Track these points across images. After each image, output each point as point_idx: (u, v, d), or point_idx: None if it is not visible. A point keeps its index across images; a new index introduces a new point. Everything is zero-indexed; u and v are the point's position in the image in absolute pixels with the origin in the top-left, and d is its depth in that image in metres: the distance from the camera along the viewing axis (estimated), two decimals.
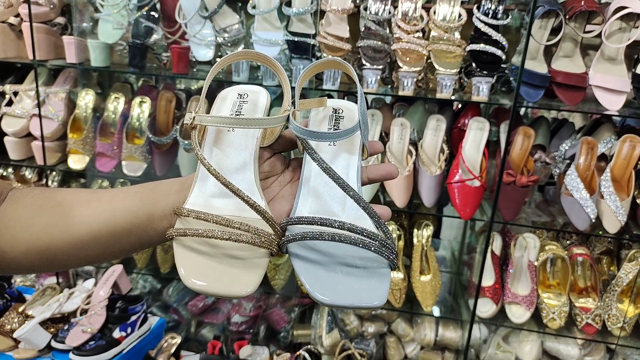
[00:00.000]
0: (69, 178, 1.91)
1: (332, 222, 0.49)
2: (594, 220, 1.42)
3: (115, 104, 1.74)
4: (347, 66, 0.60)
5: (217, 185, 0.55)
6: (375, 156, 1.52)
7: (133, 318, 1.53)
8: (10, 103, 1.75)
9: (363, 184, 0.59)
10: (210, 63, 1.68)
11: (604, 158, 1.55)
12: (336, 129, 0.63)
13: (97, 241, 0.54)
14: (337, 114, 0.66)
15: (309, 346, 1.64)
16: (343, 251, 0.51)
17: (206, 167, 0.52)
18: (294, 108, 0.58)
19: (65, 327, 1.50)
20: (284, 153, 0.64)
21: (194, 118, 0.55)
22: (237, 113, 0.63)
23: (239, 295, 0.46)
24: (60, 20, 1.72)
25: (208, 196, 0.55)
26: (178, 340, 1.65)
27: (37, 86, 1.67)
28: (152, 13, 1.57)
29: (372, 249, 0.49)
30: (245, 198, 0.50)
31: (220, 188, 0.55)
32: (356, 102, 0.60)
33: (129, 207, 0.54)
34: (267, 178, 0.61)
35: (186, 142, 1.58)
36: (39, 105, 1.68)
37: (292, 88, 0.60)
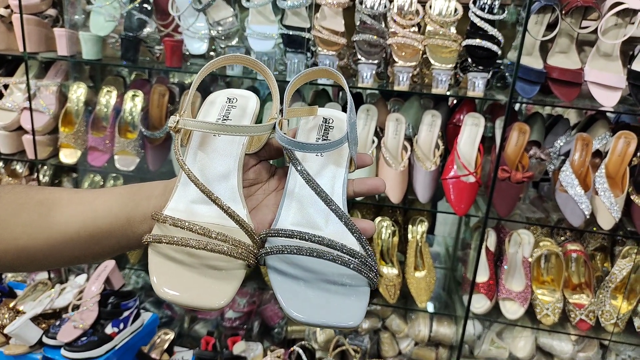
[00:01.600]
0: (60, 172, 1.88)
1: (311, 237, 0.48)
2: (588, 217, 1.42)
3: (108, 98, 1.72)
4: (338, 76, 0.59)
5: (199, 191, 0.54)
6: (370, 150, 1.51)
7: (126, 314, 1.52)
8: (0, 96, 1.73)
9: (349, 198, 0.58)
10: (204, 56, 1.66)
11: (599, 154, 1.55)
12: (325, 139, 0.62)
13: (76, 242, 0.53)
14: (327, 124, 0.65)
15: (303, 342, 1.63)
16: (322, 267, 0.50)
17: (186, 174, 0.50)
18: (282, 116, 0.57)
19: (57, 323, 1.48)
20: (271, 161, 0.63)
21: (177, 121, 0.53)
22: (224, 118, 0.61)
23: (212, 307, 0.45)
24: (52, 12, 1.69)
25: (189, 202, 0.54)
26: (171, 336, 1.64)
27: (27, 79, 1.65)
28: (145, 5, 1.55)
29: (351, 266, 0.48)
30: (225, 208, 0.49)
31: (202, 194, 0.54)
32: (353, 120, 0.59)
33: (110, 208, 0.53)
34: (252, 185, 0.59)
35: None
36: (29, 99, 1.66)
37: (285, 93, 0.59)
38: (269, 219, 0.56)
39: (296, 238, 0.49)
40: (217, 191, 0.52)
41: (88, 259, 0.57)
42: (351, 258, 0.48)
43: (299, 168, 0.53)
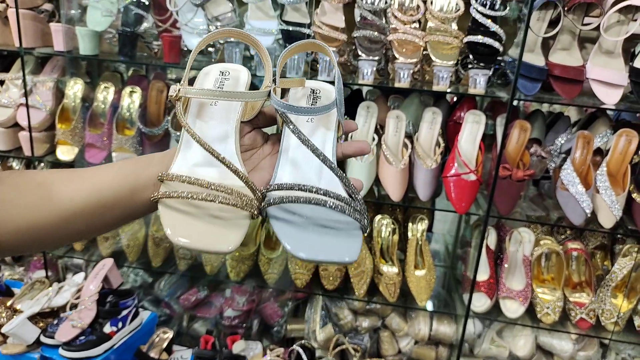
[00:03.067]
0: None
1: (309, 188, 0.54)
2: (589, 215, 1.41)
3: (105, 94, 1.70)
4: (325, 48, 0.63)
5: (201, 153, 0.58)
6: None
7: (124, 313, 1.51)
8: None
9: (338, 159, 0.63)
10: (202, 52, 1.65)
11: (600, 152, 1.54)
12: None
13: (80, 217, 0.55)
14: (314, 94, 0.70)
15: (303, 341, 1.62)
16: (318, 214, 0.55)
17: (190, 134, 0.54)
18: (275, 85, 0.62)
19: (55, 322, 1.47)
20: (264, 129, 0.67)
21: (179, 90, 0.57)
22: (219, 88, 0.65)
23: (222, 250, 0.50)
24: (48, 6, 1.67)
25: (191, 165, 0.58)
26: (170, 335, 1.63)
27: (24, 75, 1.63)
28: (143, 0, 1.53)
29: (346, 212, 0.53)
30: (227, 163, 0.53)
31: (203, 156, 0.58)
32: (339, 87, 0.63)
33: (111, 181, 0.56)
34: (248, 151, 0.63)
35: (178, 133, 1.55)
36: (26, 95, 1.64)
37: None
38: (266, 179, 0.61)
39: (296, 189, 0.54)
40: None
41: (93, 232, 0.59)
42: (345, 205, 0.54)
43: (291, 127, 0.58)
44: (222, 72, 0.67)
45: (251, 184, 0.54)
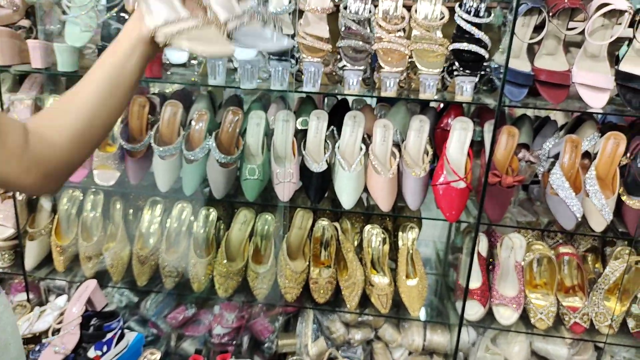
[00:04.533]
0: None
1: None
2: (580, 219, 1.41)
3: None
4: None
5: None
6: (358, 159, 1.48)
7: (109, 336, 1.46)
8: None
9: None
10: (184, 65, 1.62)
11: (588, 156, 1.53)
12: None
13: (110, 79, 0.71)
14: None
15: (295, 357, 1.59)
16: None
17: None
18: None
19: (37, 348, 1.41)
20: None
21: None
22: None
23: (226, 53, 0.75)
24: (25, 23, 1.63)
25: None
26: (158, 355, 1.58)
27: (0, 93, 1.58)
28: (123, 14, 1.50)
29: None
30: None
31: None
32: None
33: (120, 41, 0.74)
34: None
35: (161, 148, 1.52)
36: None
37: None
38: None
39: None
40: None
41: (126, 80, 0.73)
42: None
43: None
44: None
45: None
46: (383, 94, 1.40)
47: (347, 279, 1.56)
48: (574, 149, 1.48)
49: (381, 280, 1.58)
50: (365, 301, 1.60)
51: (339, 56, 1.43)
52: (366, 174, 1.50)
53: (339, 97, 1.76)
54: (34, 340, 1.47)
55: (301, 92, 1.46)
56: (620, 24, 1.32)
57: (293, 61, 1.42)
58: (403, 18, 1.40)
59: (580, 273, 1.58)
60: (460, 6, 1.36)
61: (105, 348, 1.44)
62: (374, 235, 1.65)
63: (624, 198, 1.43)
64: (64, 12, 1.49)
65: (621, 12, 1.31)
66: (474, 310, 1.56)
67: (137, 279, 1.67)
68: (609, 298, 1.56)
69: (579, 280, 1.60)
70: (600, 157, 1.46)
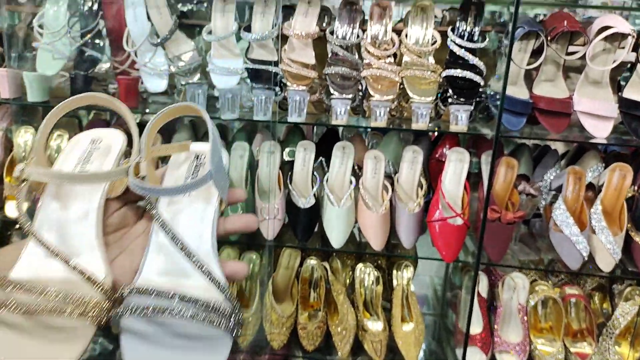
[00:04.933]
0: (10, 225, 1.69)
1: (166, 294, 0.48)
2: (586, 259, 1.30)
3: (58, 142, 1.56)
4: (200, 110, 0.58)
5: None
6: (348, 193, 1.38)
7: None
8: None
9: (220, 237, 0.56)
10: (165, 93, 1.53)
11: (592, 187, 1.44)
12: (194, 178, 0.61)
13: None
14: (198, 161, 0.64)
15: None
16: (182, 322, 0.48)
17: (29, 232, 0.52)
18: (141, 158, 0.56)
19: None
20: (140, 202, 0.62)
21: (22, 171, 0.52)
22: (85, 161, 0.61)
23: None
24: None
25: (43, 256, 0.52)
26: None
27: None
28: (97, 41, 1.43)
29: (207, 321, 0.47)
30: (72, 265, 0.49)
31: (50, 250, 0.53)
32: (216, 155, 0.56)
33: None
34: (117, 230, 0.57)
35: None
36: None
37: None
38: (136, 264, 0.54)
39: (151, 295, 0.48)
40: (74, 241, 0.52)
41: None
42: (209, 313, 0.48)
43: (153, 212, 0.54)
44: (94, 141, 0.64)
45: (101, 286, 0.49)
46: (373, 124, 1.31)
47: (338, 324, 1.44)
48: (577, 181, 1.38)
49: (375, 325, 1.45)
50: (357, 348, 1.48)
51: (326, 83, 1.35)
52: (357, 209, 1.39)
53: (329, 126, 1.68)
54: None
55: (285, 122, 1.38)
56: (622, 47, 1.24)
57: (277, 89, 1.34)
58: (393, 43, 1.33)
59: (589, 315, 1.47)
60: (452, 30, 1.29)
61: None
62: (366, 274, 1.53)
63: (633, 235, 1.33)
64: (35, 40, 1.41)
65: (623, 36, 1.23)
66: (475, 357, 1.43)
67: (112, 326, 1.54)
68: (620, 343, 1.44)
69: (587, 324, 1.48)
70: (606, 191, 1.37)
